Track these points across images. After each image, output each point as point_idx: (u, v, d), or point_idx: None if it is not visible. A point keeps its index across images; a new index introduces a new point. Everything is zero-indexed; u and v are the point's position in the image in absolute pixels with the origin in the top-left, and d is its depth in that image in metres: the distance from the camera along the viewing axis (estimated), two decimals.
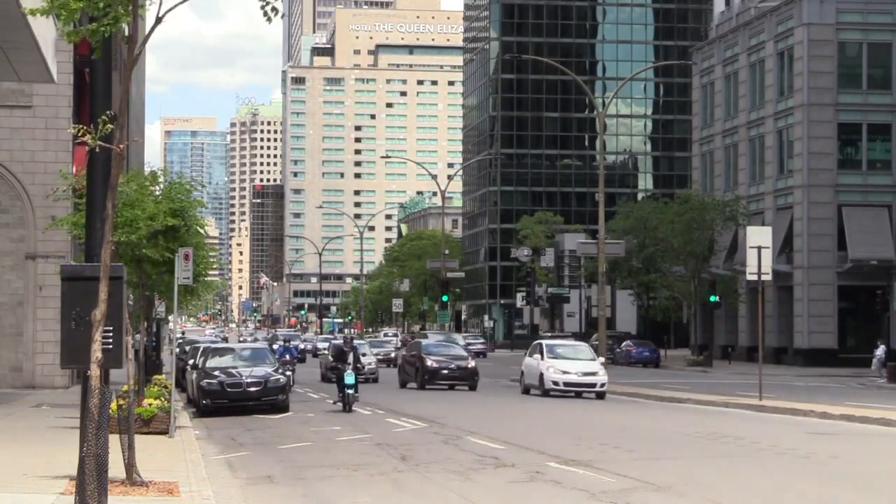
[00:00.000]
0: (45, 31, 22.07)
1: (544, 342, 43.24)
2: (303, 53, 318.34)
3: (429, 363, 44.14)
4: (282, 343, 60.15)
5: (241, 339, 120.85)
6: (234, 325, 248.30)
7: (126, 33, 11.49)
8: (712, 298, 71.14)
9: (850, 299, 72.93)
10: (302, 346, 79.98)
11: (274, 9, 11.06)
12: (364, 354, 55.51)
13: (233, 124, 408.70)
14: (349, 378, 31.89)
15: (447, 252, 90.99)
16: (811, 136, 73.09)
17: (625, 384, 45.23)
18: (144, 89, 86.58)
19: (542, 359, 40.60)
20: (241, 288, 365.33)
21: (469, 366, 44.31)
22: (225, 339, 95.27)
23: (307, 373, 56.77)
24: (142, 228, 20.40)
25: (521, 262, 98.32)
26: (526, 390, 41.63)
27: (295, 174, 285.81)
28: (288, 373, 37.61)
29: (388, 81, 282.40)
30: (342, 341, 35.62)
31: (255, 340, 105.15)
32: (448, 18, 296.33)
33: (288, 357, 47.89)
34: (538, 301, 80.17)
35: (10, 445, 21.11)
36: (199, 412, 31.97)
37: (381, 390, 43.18)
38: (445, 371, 44.03)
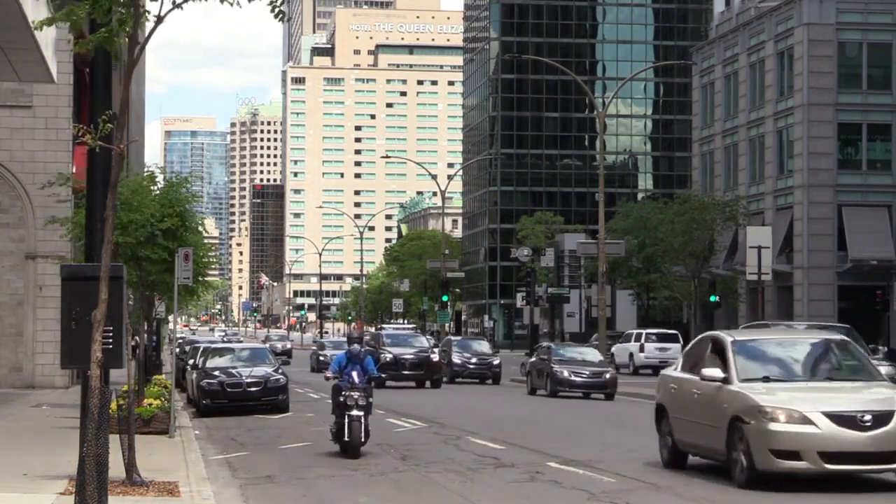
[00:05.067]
0: (46, 31, 22.06)
1: None
2: (303, 53, 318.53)
3: None
4: (346, 349, 22.93)
5: (270, 347, 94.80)
6: (222, 325, 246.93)
7: (127, 32, 11.49)
8: (712, 298, 71.11)
9: (850, 299, 72.92)
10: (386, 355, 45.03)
11: (281, 11, 11.16)
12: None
13: (233, 124, 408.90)
14: None
15: (447, 252, 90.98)
16: (811, 136, 73.10)
17: (625, 384, 45.22)
18: (144, 89, 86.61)
19: None
20: (241, 288, 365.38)
21: None
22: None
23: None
24: (139, 230, 20.40)
25: (521, 262, 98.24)
26: None
27: (295, 174, 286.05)
28: (355, 413, 20.70)
29: (388, 81, 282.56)
30: None
31: (283, 347, 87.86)
32: (448, 18, 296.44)
33: (356, 379, 21.42)
34: (538, 301, 79.94)
35: (10, 445, 21.11)
36: (199, 412, 31.98)
37: None
38: None
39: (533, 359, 44.25)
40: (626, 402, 38.73)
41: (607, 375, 40.16)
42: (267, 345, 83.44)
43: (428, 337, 61.05)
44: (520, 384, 48.04)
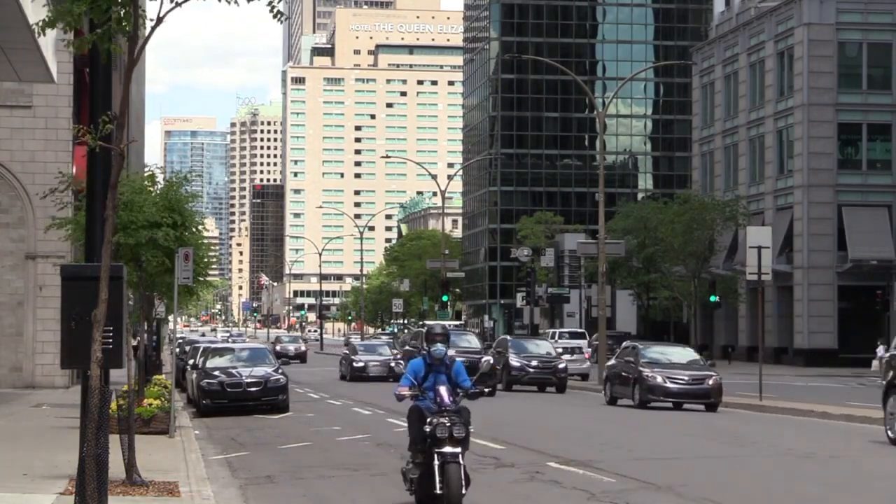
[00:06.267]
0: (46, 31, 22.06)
1: None
2: (303, 53, 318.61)
3: None
4: (422, 352, 15.19)
5: (282, 349, 78.23)
6: (222, 325, 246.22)
7: (126, 31, 11.49)
8: (712, 298, 71.18)
9: (850, 299, 72.95)
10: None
11: (280, 11, 11.17)
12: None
13: (233, 124, 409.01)
14: None
15: (447, 252, 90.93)
16: (811, 136, 73.13)
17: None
18: (144, 89, 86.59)
19: None
20: (241, 288, 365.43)
21: None
22: None
23: None
24: (141, 232, 20.38)
25: (521, 262, 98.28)
26: None
27: (295, 174, 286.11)
28: (450, 450, 13.64)
29: (388, 81, 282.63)
30: None
31: (295, 350, 79.39)
32: (448, 18, 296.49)
33: (445, 397, 14.00)
34: (538, 301, 79.98)
35: (10, 445, 21.11)
36: (199, 412, 31.98)
37: None
38: None
39: (611, 361, 38.22)
40: (736, 415, 32.50)
41: (710, 381, 33.30)
42: (277, 346, 77.24)
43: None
44: (585, 391, 44.30)
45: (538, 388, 43.80)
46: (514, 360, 43.35)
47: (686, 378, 33.25)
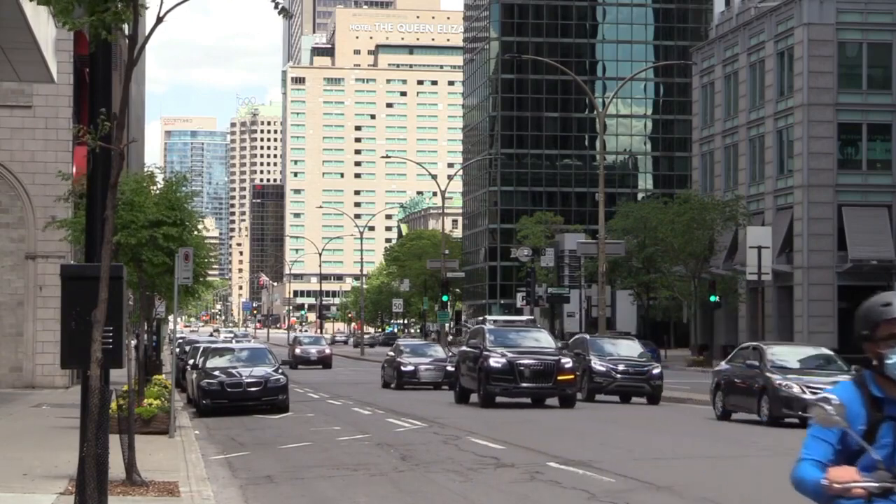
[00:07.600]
0: (46, 31, 22.06)
1: None
2: (303, 53, 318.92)
3: None
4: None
5: (302, 351, 70.58)
6: (221, 325, 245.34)
7: (127, 32, 11.49)
8: (712, 298, 71.18)
9: (850, 299, 72.84)
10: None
11: (284, 9, 11.24)
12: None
13: (233, 124, 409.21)
14: None
15: (447, 252, 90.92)
16: (811, 136, 73.12)
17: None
18: (144, 89, 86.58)
19: None
20: (241, 288, 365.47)
21: None
22: None
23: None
24: (142, 232, 20.38)
25: (521, 262, 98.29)
26: None
27: (295, 174, 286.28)
28: None
29: (388, 81, 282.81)
30: None
31: (318, 353, 69.45)
32: (448, 18, 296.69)
33: None
34: (538, 301, 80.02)
35: (10, 445, 21.11)
36: (199, 412, 32.00)
37: None
38: None
39: (723, 365, 31.11)
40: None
41: None
42: (297, 349, 69.58)
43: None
44: (682, 402, 37.45)
45: (620, 398, 36.67)
46: (598, 365, 36.35)
47: (828, 387, 27.50)
